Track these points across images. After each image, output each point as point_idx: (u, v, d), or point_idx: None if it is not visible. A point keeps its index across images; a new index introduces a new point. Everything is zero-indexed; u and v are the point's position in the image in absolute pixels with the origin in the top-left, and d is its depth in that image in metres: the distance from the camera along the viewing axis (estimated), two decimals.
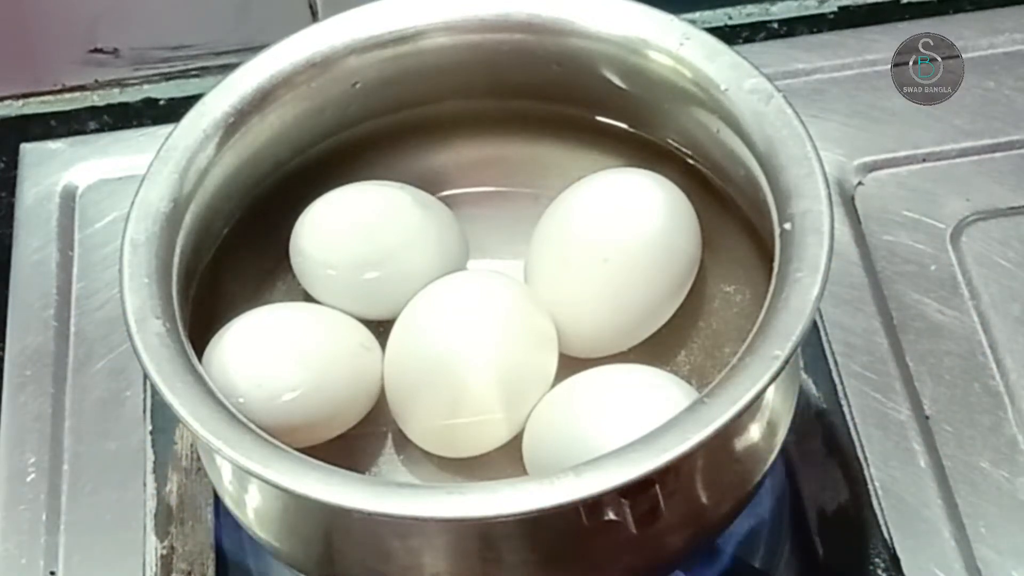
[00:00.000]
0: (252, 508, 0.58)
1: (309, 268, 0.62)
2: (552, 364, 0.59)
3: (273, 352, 0.58)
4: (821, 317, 0.68)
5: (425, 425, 0.58)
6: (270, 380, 0.57)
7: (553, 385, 0.58)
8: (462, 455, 0.58)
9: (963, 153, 0.74)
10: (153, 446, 0.68)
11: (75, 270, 0.74)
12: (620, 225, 0.59)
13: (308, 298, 0.62)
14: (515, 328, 0.58)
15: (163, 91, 0.83)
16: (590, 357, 0.60)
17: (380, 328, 0.60)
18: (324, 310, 0.61)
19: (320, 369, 0.58)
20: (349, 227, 0.61)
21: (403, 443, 0.59)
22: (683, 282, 0.60)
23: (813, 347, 0.68)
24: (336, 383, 0.58)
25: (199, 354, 0.56)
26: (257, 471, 0.51)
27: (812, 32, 0.82)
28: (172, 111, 0.81)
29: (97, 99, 0.83)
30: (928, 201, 0.73)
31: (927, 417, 0.66)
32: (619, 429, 0.52)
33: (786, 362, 0.51)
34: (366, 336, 0.60)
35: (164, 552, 0.65)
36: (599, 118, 0.65)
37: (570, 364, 0.59)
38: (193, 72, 0.83)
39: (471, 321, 0.58)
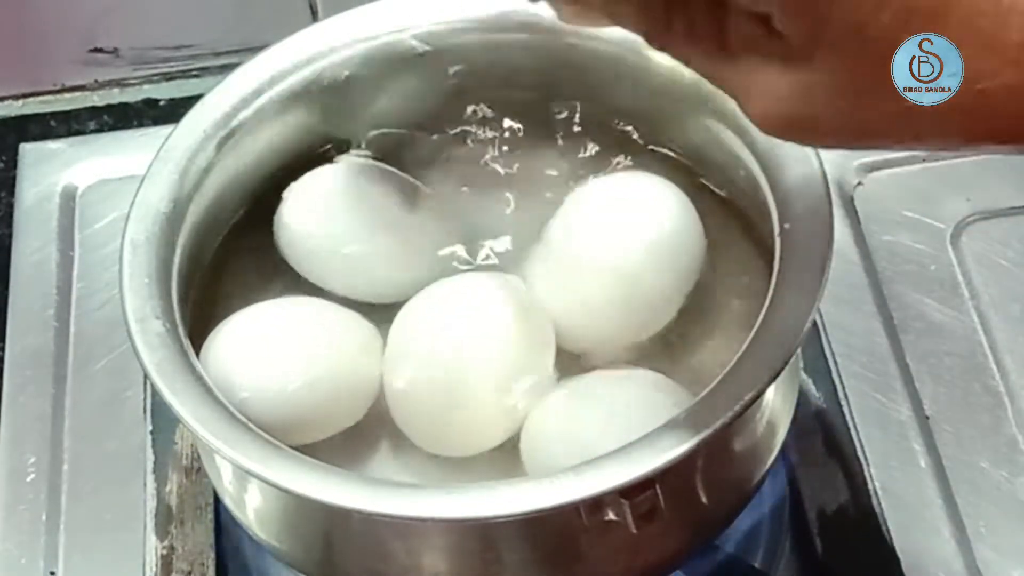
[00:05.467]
0: (252, 508, 0.59)
1: (291, 239, 0.61)
2: (550, 365, 0.59)
3: (270, 346, 0.57)
4: (821, 317, 0.69)
5: (424, 424, 0.58)
6: (267, 374, 0.56)
7: (552, 386, 0.59)
8: (460, 454, 0.58)
9: (963, 153, 0.74)
10: (153, 446, 0.68)
11: (75, 270, 0.74)
12: (624, 229, 0.59)
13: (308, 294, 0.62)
14: (514, 329, 0.58)
15: (163, 91, 0.83)
16: (593, 356, 0.60)
17: (381, 327, 0.60)
18: (323, 305, 0.60)
19: (318, 363, 0.57)
20: (332, 199, 0.61)
21: (402, 443, 0.59)
22: (686, 284, 0.60)
23: (813, 347, 0.68)
24: (335, 378, 0.58)
25: (198, 353, 0.56)
26: (257, 471, 0.51)
27: None
28: (172, 111, 0.81)
29: (97, 99, 0.83)
30: (928, 201, 0.73)
31: (927, 417, 0.66)
32: (616, 432, 0.52)
33: (786, 362, 0.51)
34: (367, 331, 0.59)
35: (164, 552, 0.65)
36: (600, 119, 0.65)
37: (570, 366, 0.59)
38: (193, 72, 0.83)
39: (470, 322, 0.58)
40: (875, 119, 0.39)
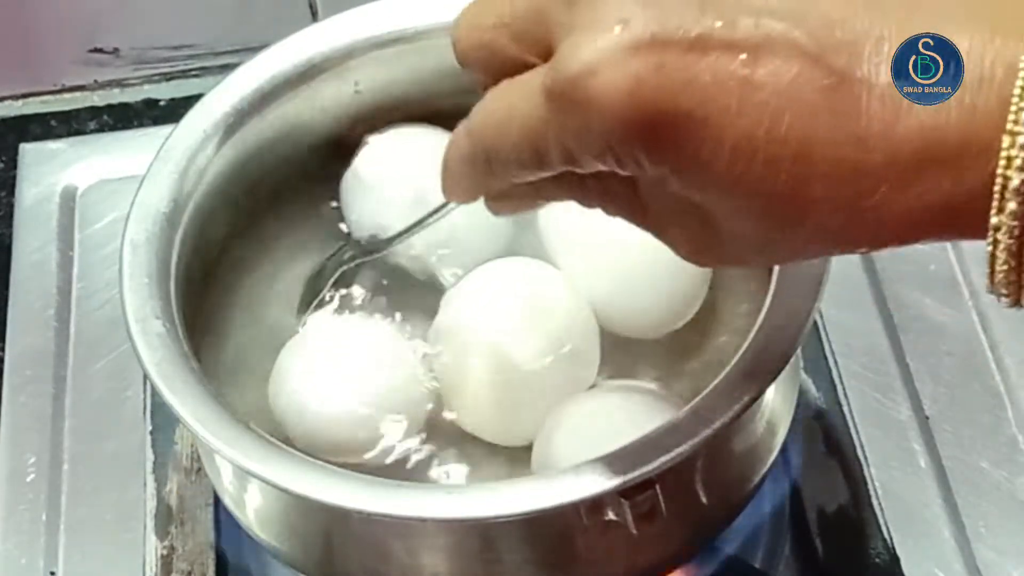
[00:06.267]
0: (252, 508, 0.59)
1: (365, 194, 0.61)
2: (596, 355, 0.59)
3: (335, 374, 0.58)
4: (821, 317, 0.69)
5: (477, 412, 0.58)
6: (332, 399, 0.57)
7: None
8: (513, 443, 0.58)
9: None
10: (153, 446, 0.68)
11: (75, 270, 0.74)
12: None
13: (303, 296, 0.62)
14: (563, 317, 0.58)
15: (163, 91, 0.83)
16: (633, 336, 0.60)
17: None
18: (373, 326, 0.60)
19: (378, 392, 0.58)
20: (406, 162, 0.61)
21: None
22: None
23: (813, 347, 0.68)
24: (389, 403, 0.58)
25: (199, 354, 0.56)
26: (257, 471, 0.51)
27: None
28: (172, 111, 0.81)
29: (97, 99, 0.83)
30: None
31: (927, 417, 0.66)
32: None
33: (786, 362, 0.51)
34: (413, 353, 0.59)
35: (164, 552, 0.65)
36: None
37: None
38: (193, 72, 0.83)
39: (520, 312, 0.58)
40: (788, 244, 0.42)
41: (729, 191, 0.40)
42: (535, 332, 0.57)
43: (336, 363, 0.58)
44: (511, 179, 0.44)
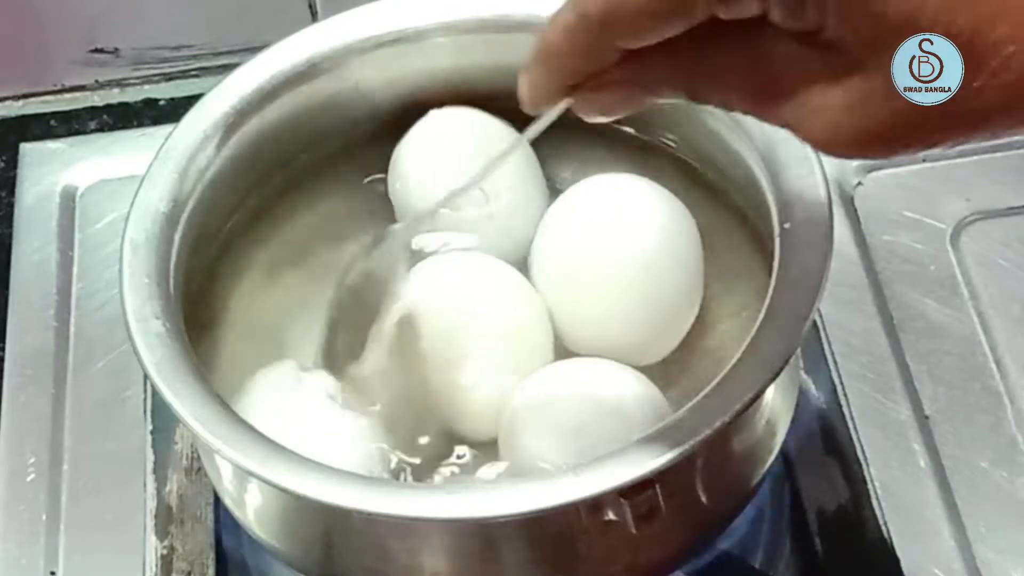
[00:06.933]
0: (252, 508, 0.59)
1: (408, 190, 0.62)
2: (550, 343, 0.59)
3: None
4: (821, 317, 0.69)
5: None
6: None
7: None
8: (468, 427, 0.58)
9: (963, 153, 0.74)
10: (153, 446, 0.68)
11: (75, 270, 0.74)
12: (635, 231, 0.59)
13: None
14: (515, 307, 0.58)
15: (163, 91, 0.83)
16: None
17: None
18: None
19: None
20: (450, 148, 0.62)
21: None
22: (699, 285, 0.60)
23: (813, 347, 0.68)
24: None
25: (199, 353, 0.56)
26: (257, 471, 0.51)
27: None
28: (172, 111, 0.81)
29: (97, 99, 0.83)
30: (928, 201, 0.73)
31: (927, 417, 0.66)
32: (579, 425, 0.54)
33: (785, 363, 0.51)
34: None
35: (164, 552, 0.65)
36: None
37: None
38: (193, 72, 0.83)
39: (475, 300, 0.58)
40: (937, 113, 0.38)
41: (904, 28, 0.37)
42: (484, 309, 0.58)
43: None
44: (625, 43, 0.40)
